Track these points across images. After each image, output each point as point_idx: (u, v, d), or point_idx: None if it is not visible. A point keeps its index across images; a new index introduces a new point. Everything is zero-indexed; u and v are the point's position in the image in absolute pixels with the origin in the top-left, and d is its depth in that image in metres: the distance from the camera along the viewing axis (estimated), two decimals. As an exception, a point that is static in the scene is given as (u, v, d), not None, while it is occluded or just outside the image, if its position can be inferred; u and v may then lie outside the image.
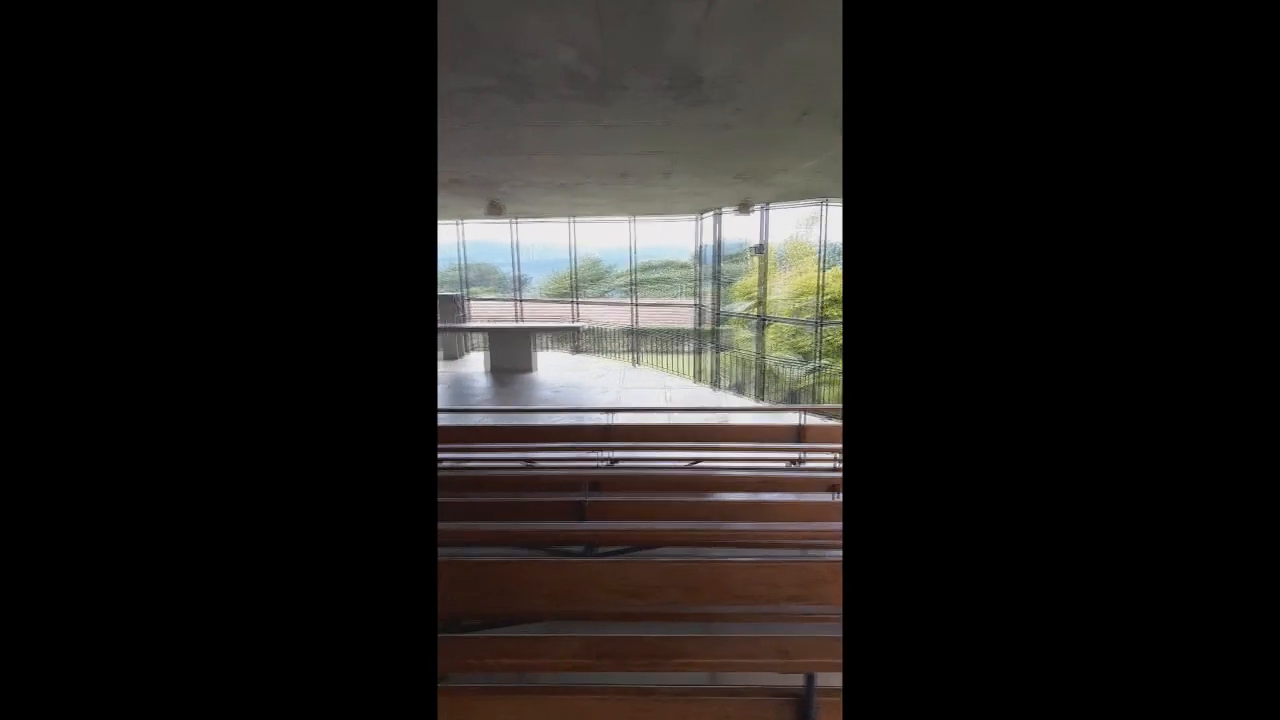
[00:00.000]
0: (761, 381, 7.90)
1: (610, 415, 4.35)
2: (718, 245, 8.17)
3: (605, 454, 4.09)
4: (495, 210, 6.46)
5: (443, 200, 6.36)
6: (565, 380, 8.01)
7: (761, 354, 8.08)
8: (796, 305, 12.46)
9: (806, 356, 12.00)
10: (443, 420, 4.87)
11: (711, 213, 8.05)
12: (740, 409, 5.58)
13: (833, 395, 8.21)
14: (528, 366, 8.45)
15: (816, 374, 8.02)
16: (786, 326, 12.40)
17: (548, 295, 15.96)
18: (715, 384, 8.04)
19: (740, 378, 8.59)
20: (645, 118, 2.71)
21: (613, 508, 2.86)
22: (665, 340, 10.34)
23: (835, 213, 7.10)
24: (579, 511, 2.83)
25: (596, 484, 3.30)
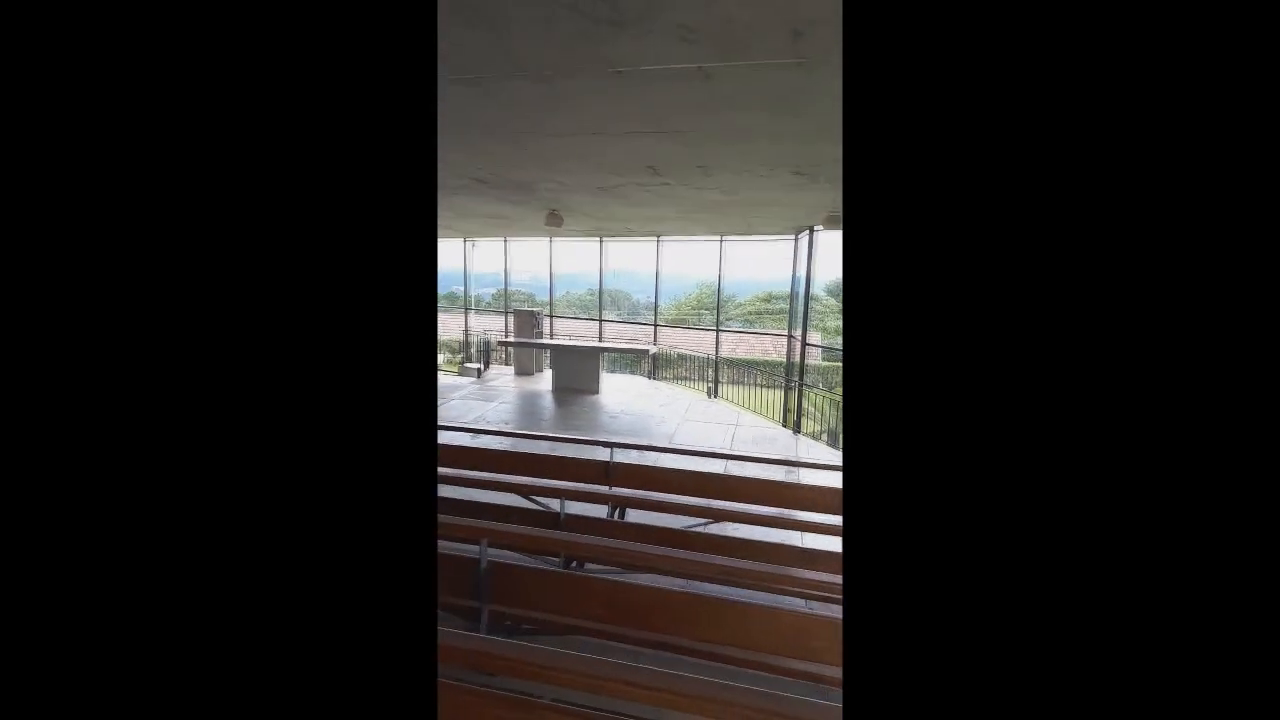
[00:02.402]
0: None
1: (610, 451, 3.60)
2: (808, 264, 7.10)
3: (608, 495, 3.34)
4: (555, 220, 6.11)
5: (502, 211, 6.16)
6: (627, 407, 7.37)
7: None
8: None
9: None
10: (447, 438, 4.44)
11: (806, 231, 7.04)
12: (804, 464, 4.51)
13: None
14: (593, 388, 7.96)
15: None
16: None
17: (665, 321, 15.72)
18: (796, 428, 6.89)
19: (834, 423, 7.31)
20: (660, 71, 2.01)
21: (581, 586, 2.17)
22: (756, 373, 9.30)
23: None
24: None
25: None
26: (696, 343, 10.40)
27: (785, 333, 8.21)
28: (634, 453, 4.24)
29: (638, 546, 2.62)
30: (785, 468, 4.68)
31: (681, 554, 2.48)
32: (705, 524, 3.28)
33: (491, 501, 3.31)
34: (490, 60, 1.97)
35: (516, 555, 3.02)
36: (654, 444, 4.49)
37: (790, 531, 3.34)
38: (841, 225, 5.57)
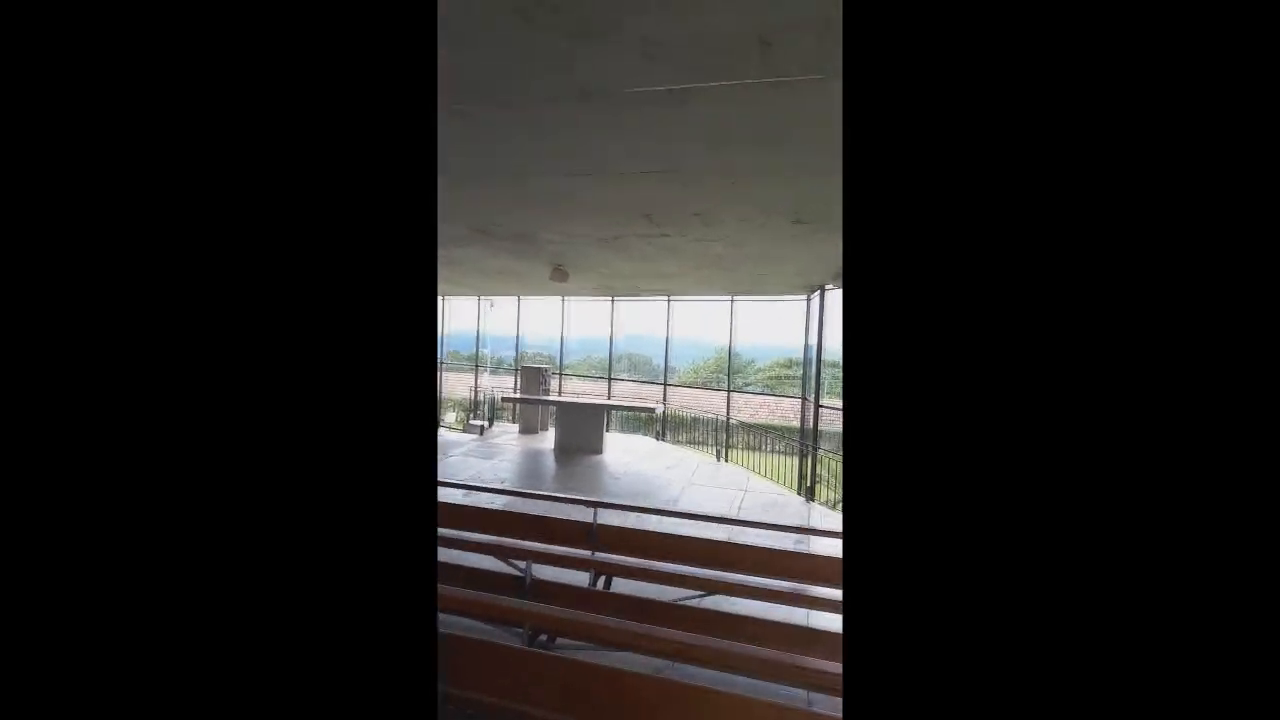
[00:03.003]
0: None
1: (595, 512, 3.29)
2: (819, 324, 6.90)
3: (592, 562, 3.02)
4: (560, 275, 6.09)
5: (509, 266, 6.18)
6: (630, 467, 7.03)
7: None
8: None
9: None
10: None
11: (817, 290, 6.90)
12: (815, 531, 4.11)
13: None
14: (596, 447, 7.66)
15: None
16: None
17: (680, 382, 15.59)
18: (809, 495, 6.45)
19: (851, 491, 6.85)
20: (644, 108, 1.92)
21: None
22: (770, 437, 8.91)
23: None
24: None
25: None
26: (709, 404, 10.09)
27: (800, 395, 7.91)
28: (629, 515, 3.91)
29: (611, 620, 2.29)
30: (795, 535, 4.28)
31: (661, 632, 2.15)
32: (699, 596, 2.91)
33: (463, 564, 3.02)
34: (449, 81, 1.89)
35: (483, 625, 2.69)
36: (647, 505, 4.16)
37: (795, 609, 2.94)
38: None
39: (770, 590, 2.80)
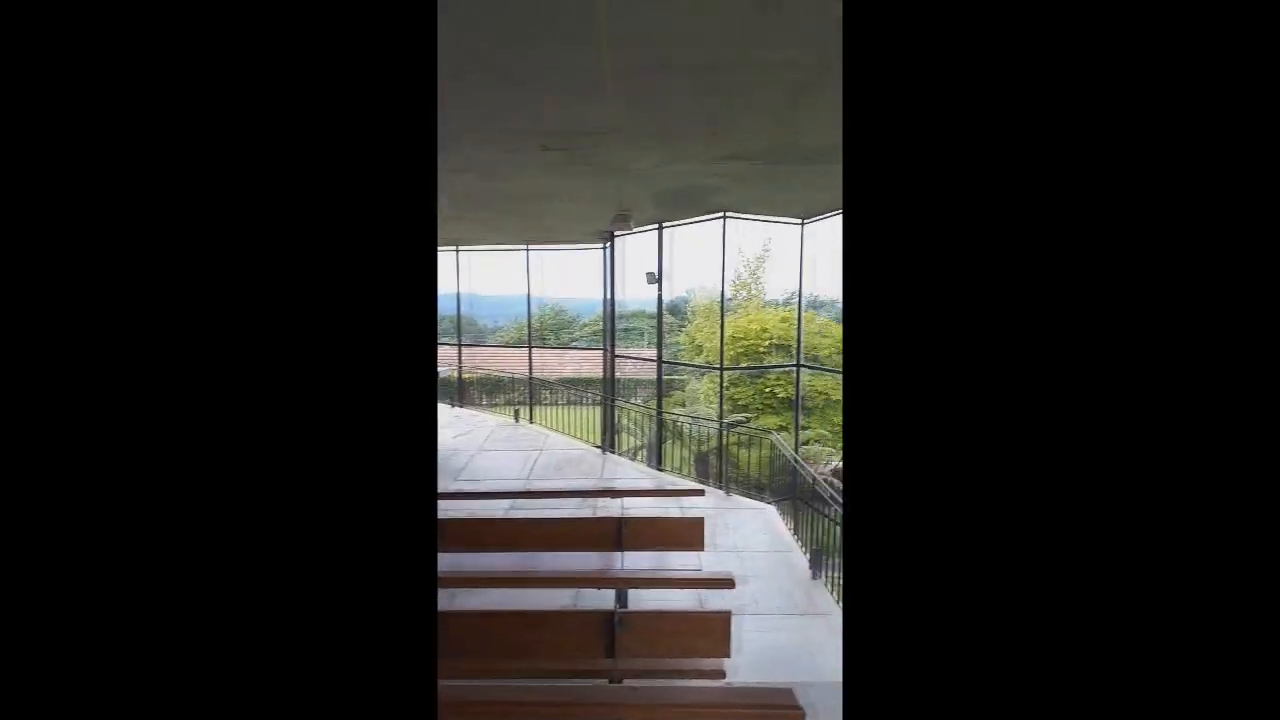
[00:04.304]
0: (658, 446, 6.25)
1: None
2: (610, 271, 6.75)
3: None
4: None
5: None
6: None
7: (660, 410, 6.48)
8: (735, 351, 11.04)
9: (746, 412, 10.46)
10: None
11: (608, 237, 6.69)
12: (563, 492, 3.93)
13: (756, 459, 6.57)
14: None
15: (728, 432, 6.38)
16: (726, 375, 10.91)
17: (504, 341, 14.57)
18: (606, 447, 6.40)
19: (652, 438, 6.96)
20: None
21: None
22: (573, 391, 8.71)
23: (745, 227, 5.76)
24: None
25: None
26: (518, 364, 9.54)
27: (601, 348, 7.78)
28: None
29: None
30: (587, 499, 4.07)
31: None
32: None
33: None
34: None
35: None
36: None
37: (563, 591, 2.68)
38: (629, 225, 5.23)
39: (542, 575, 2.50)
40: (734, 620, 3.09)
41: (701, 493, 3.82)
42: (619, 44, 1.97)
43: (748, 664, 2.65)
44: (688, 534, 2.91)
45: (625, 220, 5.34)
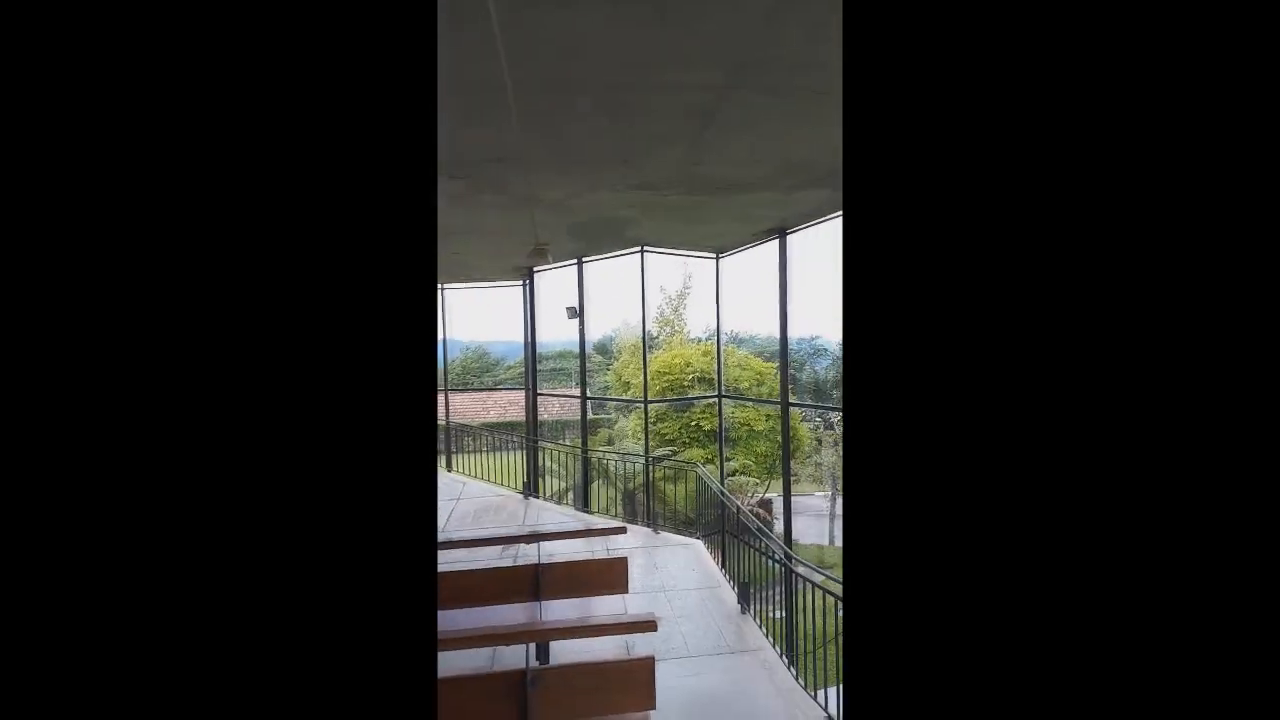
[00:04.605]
0: (584, 486, 6.03)
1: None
2: (529, 311, 6.59)
3: None
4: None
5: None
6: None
7: (585, 449, 6.28)
8: (660, 385, 11.05)
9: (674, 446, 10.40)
10: None
11: (526, 274, 6.55)
12: (520, 538, 3.65)
13: (684, 494, 6.46)
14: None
15: (654, 467, 6.26)
16: (651, 411, 10.85)
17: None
18: (528, 491, 6.08)
19: (578, 478, 6.69)
20: None
21: None
22: (495, 436, 8.30)
23: (663, 263, 5.83)
24: None
25: None
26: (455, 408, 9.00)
27: (522, 388, 7.50)
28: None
29: None
30: (505, 546, 3.77)
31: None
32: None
33: None
34: None
35: None
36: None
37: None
38: (546, 257, 5.13)
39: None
40: (663, 665, 2.90)
41: (624, 530, 3.64)
42: (516, 58, 1.90)
43: (678, 714, 2.46)
44: (610, 576, 2.72)
45: (543, 254, 5.23)
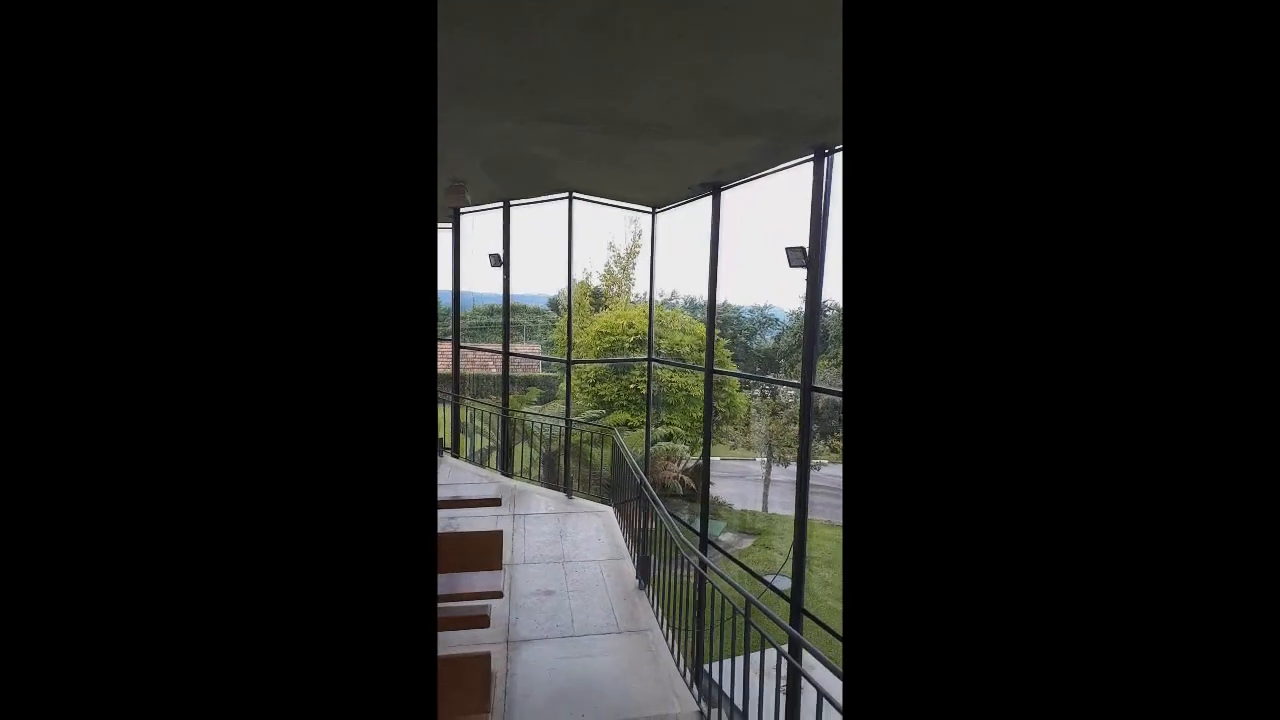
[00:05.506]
0: (506, 447, 5.75)
1: None
2: (456, 255, 6.11)
3: None
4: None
5: None
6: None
7: (506, 409, 5.97)
8: (602, 346, 10.76)
9: (610, 408, 10.20)
10: None
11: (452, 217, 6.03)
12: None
13: (607, 458, 6.28)
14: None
15: (579, 429, 6.01)
16: (589, 371, 10.58)
17: None
18: (447, 449, 5.76)
19: (499, 440, 6.38)
20: None
21: None
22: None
23: (586, 210, 5.44)
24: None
25: None
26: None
27: (450, 339, 7.05)
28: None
29: None
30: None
31: None
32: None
33: None
34: None
35: None
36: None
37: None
38: (463, 197, 4.67)
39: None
40: (543, 646, 2.68)
41: (497, 502, 3.38)
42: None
43: (545, 703, 2.28)
44: (483, 551, 2.47)
45: (459, 193, 4.76)
